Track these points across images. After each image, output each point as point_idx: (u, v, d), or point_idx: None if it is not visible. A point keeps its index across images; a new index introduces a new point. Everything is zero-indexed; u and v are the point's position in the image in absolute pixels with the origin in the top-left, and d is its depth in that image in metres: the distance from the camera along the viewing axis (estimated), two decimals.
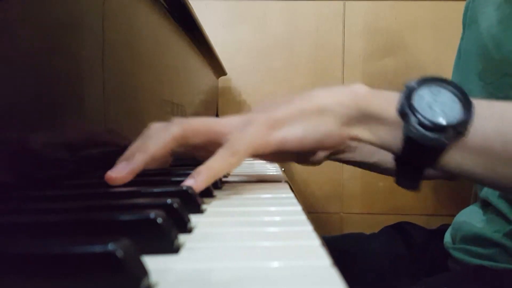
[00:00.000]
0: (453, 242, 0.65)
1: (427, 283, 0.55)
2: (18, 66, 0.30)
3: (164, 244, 0.22)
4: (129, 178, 0.36)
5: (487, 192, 0.60)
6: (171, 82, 0.73)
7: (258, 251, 0.23)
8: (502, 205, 0.56)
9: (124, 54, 0.52)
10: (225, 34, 1.34)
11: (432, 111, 0.34)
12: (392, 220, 0.81)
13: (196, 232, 0.26)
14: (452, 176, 0.44)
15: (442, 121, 0.34)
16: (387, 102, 0.36)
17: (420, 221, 0.81)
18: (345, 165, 1.33)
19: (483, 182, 0.39)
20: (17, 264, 0.17)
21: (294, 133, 0.37)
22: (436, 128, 0.34)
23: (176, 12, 0.72)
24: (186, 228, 0.26)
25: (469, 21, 0.70)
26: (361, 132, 0.38)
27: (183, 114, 0.80)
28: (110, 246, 0.17)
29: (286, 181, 0.47)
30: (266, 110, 0.38)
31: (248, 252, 0.22)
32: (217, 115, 1.21)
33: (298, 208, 0.33)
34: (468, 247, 0.60)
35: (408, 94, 0.36)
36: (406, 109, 0.35)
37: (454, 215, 0.68)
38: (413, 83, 0.36)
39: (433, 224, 0.79)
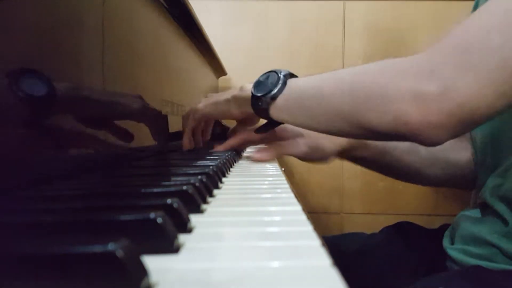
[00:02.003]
0: (452, 242, 0.65)
1: (424, 283, 0.55)
2: (18, 66, 0.30)
3: (164, 244, 0.22)
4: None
5: (486, 195, 0.60)
6: (171, 82, 0.73)
7: (258, 251, 0.23)
8: (500, 207, 0.56)
9: (124, 54, 0.52)
10: (225, 34, 1.34)
11: (259, 88, 0.58)
12: (392, 220, 0.81)
13: (196, 232, 0.26)
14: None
15: (261, 93, 0.57)
16: (248, 88, 0.61)
17: (420, 221, 0.81)
18: (345, 165, 1.33)
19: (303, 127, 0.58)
20: (17, 264, 0.17)
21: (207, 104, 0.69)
22: (260, 97, 0.57)
23: (176, 12, 0.72)
24: (186, 228, 0.26)
25: None
26: (235, 109, 0.66)
27: (183, 114, 0.80)
28: (110, 246, 0.17)
29: (286, 181, 0.47)
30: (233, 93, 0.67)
31: (248, 252, 0.22)
32: None
33: (298, 208, 0.33)
34: (466, 247, 0.60)
35: (257, 80, 0.60)
36: (252, 88, 0.60)
37: (454, 215, 0.68)
38: (265, 73, 0.60)
39: (433, 224, 0.79)
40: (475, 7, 0.73)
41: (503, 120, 0.59)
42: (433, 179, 0.75)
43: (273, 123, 0.62)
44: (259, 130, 0.66)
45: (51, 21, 0.35)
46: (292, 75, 0.58)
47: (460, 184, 0.75)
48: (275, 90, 0.56)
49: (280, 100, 0.56)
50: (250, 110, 0.61)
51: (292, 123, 0.57)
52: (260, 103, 0.57)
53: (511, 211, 0.55)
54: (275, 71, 0.58)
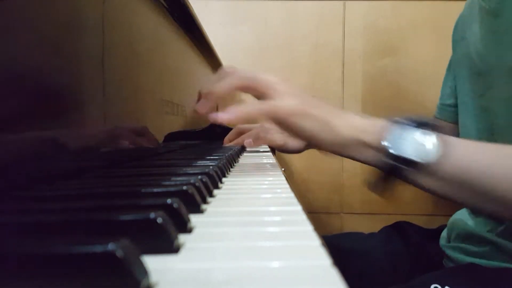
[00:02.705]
0: (448, 240, 0.65)
1: (419, 280, 0.56)
2: (18, 66, 0.30)
3: (164, 244, 0.22)
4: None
5: None
6: (171, 82, 0.73)
7: (258, 251, 0.23)
8: None
9: (124, 54, 0.52)
10: (225, 34, 1.34)
11: (404, 147, 0.44)
12: (392, 220, 0.81)
13: (196, 232, 0.26)
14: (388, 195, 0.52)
15: (412, 156, 0.43)
16: (376, 134, 0.46)
17: (419, 221, 0.81)
18: (345, 165, 1.33)
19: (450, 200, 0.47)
20: (18, 264, 0.17)
21: (303, 126, 0.48)
22: (405, 161, 0.43)
23: (176, 12, 0.72)
24: (186, 228, 0.26)
25: (458, 37, 0.73)
26: (352, 153, 0.48)
27: (183, 114, 0.80)
28: (110, 246, 0.17)
29: (286, 181, 0.47)
30: (304, 98, 0.50)
31: (248, 252, 0.22)
32: None
33: (298, 208, 0.33)
34: (462, 245, 0.60)
35: (388, 130, 0.45)
36: (386, 144, 0.44)
37: (452, 214, 0.68)
38: (399, 121, 0.45)
39: (433, 224, 0.79)
40: (455, 28, 0.75)
41: (499, 115, 0.59)
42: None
43: (392, 179, 0.47)
44: (374, 187, 0.48)
45: (51, 21, 0.35)
46: (431, 126, 0.46)
47: None
48: (432, 157, 0.43)
49: (431, 168, 0.43)
50: (360, 157, 0.48)
51: (434, 192, 0.45)
52: (402, 166, 0.44)
53: None
54: (415, 122, 0.45)
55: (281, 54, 1.35)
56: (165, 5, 0.67)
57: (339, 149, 0.48)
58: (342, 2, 1.35)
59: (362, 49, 1.33)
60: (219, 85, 0.50)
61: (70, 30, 0.38)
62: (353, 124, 0.47)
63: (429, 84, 1.27)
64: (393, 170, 0.44)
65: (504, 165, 0.42)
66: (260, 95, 0.50)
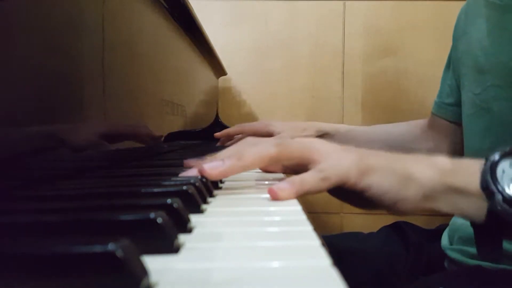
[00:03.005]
0: (451, 243, 0.65)
1: (424, 283, 0.55)
2: (18, 66, 0.30)
3: (164, 244, 0.22)
4: (218, 177, 0.39)
5: None
6: (171, 82, 0.73)
7: (258, 251, 0.23)
8: None
9: (124, 54, 0.52)
10: (225, 34, 1.34)
11: None
12: (392, 220, 0.81)
13: (196, 232, 0.26)
14: (496, 259, 0.46)
15: None
16: (470, 176, 0.37)
17: (419, 221, 0.81)
18: None
19: None
20: (17, 264, 0.17)
21: (380, 186, 0.38)
22: None
23: (176, 12, 0.72)
24: (186, 228, 0.26)
25: (461, 32, 0.71)
26: (441, 205, 0.38)
27: (183, 114, 0.80)
28: (110, 246, 0.17)
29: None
30: (361, 153, 0.40)
31: (248, 252, 0.22)
32: (217, 115, 1.21)
33: (298, 208, 0.33)
34: (465, 248, 0.60)
35: (491, 167, 0.36)
36: (491, 186, 0.35)
37: (453, 216, 0.68)
38: (496, 156, 0.36)
39: (433, 224, 0.79)
40: (458, 23, 0.74)
41: (502, 115, 0.59)
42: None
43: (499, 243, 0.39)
44: (481, 251, 0.40)
45: (51, 21, 0.35)
46: None
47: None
48: None
49: None
50: (468, 210, 0.38)
51: None
52: None
53: None
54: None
55: (281, 54, 1.35)
56: (165, 5, 0.67)
57: (422, 203, 0.38)
58: (342, 2, 1.34)
59: (362, 49, 1.33)
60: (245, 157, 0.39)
61: (70, 30, 0.38)
62: (435, 166, 0.38)
63: (429, 84, 1.27)
64: (504, 222, 0.35)
65: None
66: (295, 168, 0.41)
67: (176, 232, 0.23)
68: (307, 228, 0.26)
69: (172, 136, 0.72)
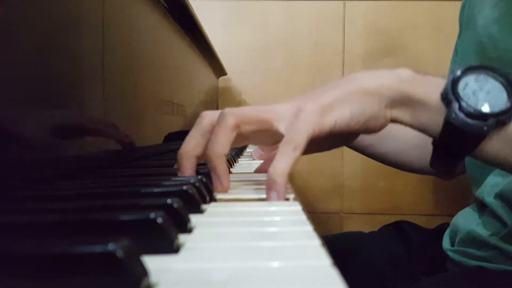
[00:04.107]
0: (452, 244, 0.65)
1: (427, 283, 0.55)
2: (18, 66, 0.30)
3: (164, 244, 0.22)
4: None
5: (482, 193, 0.60)
6: (171, 82, 0.73)
7: (258, 251, 0.23)
8: (497, 207, 0.56)
9: (124, 54, 0.52)
10: (225, 34, 1.34)
11: (476, 99, 0.34)
12: (392, 220, 0.81)
13: (196, 232, 0.26)
14: (447, 174, 0.45)
15: (485, 109, 0.34)
16: (431, 87, 0.36)
17: (419, 221, 0.81)
18: (345, 165, 1.33)
19: None
20: (17, 264, 0.17)
21: (342, 116, 0.37)
22: (478, 115, 0.34)
23: (176, 12, 0.72)
24: (186, 228, 0.26)
25: (466, 19, 0.69)
26: (402, 114, 0.38)
27: (183, 114, 0.80)
28: (110, 246, 0.17)
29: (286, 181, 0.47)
30: (313, 97, 0.38)
31: (248, 252, 0.22)
32: None
33: (298, 208, 0.33)
34: (466, 249, 0.60)
35: (453, 80, 0.35)
36: (450, 95, 0.35)
37: (453, 215, 0.68)
38: (459, 70, 0.36)
39: (433, 224, 0.79)
40: (462, 10, 0.73)
41: None
42: (408, 166, 0.74)
43: (459, 158, 0.38)
44: (437, 167, 0.40)
45: (51, 21, 0.35)
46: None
47: (433, 172, 0.74)
48: (508, 107, 0.34)
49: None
50: (426, 120, 0.37)
51: (501, 164, 0.37)
52: (479, 124, 0.34)
53: (510, 211, 0.55)
54: (484, 68, 0.36)
55: (281, 54, 1.35)
56: (165, 5, 0.67)
57: (388, 114, 0.37)
58: (342, 2, 1.34)
59: (362, 49, 1.33)
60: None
61: (70, 30, 0.38)
62: (397, 76, 0.37)
63: None
64: (459, 134, 0.34)
65: None
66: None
67: (176, 232, 0.23)
68: (307, 228, 0.26)
69: (172, 136, 0.72)
